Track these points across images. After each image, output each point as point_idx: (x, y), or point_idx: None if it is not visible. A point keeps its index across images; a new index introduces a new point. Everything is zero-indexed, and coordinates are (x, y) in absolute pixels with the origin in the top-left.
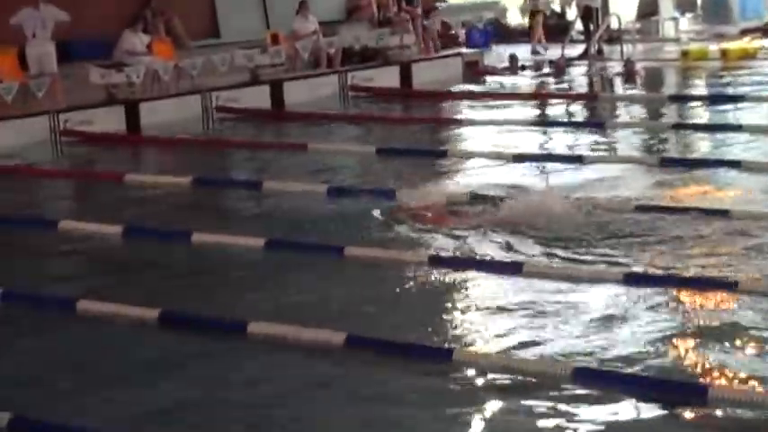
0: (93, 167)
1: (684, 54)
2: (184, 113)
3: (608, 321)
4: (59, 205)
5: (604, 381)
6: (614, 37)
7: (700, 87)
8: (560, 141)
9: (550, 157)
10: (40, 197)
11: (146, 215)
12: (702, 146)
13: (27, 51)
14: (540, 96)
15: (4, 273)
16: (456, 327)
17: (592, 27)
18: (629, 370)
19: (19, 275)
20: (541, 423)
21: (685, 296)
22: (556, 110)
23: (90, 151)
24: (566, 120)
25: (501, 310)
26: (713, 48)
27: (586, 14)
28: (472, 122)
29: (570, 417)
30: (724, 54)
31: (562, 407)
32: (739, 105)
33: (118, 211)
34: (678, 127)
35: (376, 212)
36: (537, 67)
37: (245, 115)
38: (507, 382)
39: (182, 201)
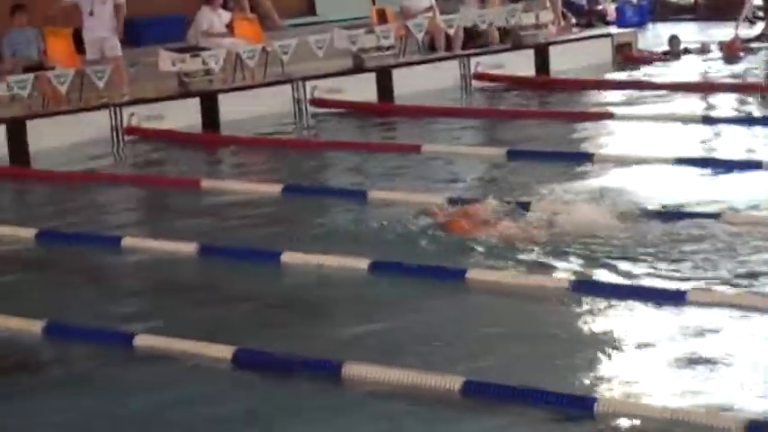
0: (163, 172)
1: None
2: (273, 107)
3: None
4: (122, 218)
5: None
6: None
7: None
8: (732, 141)
9: (720, 162)
10: (100, 208)
11: (226, 230)
12: None
13: (84, 33)
14: (707, 87)
15: (52, 301)
16: (601, 369)
17: None
18: None
19: (71, 305)
20: None
21: None
22: (726, 102)
23: (158, 152)
24: (739, 115)
25: (653, 346)
26: None
27: None
28: (624, 118)
29: None
30: None
31: None
32: None
33: (192, 224)
34: None
35: (414, 223)
36: (703, 50)
37: (346, 109)
38: None
39: (269, 213)
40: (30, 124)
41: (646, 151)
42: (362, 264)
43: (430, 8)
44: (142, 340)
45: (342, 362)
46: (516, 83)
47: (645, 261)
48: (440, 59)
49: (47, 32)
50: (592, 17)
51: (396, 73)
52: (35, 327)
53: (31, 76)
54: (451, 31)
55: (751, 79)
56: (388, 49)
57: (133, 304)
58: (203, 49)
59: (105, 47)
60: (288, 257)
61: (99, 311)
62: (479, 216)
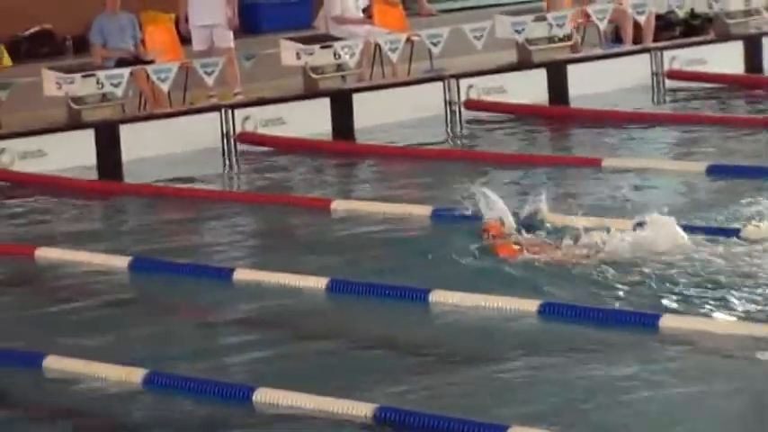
0: (285, 189)
1: None
2: (419, 110)
3: None
4: (233, 245)
5: None
6: None
7: None
8: None
9: None
10: (207, 231)
11: (361, 262)
12: None
13: (189, 19)
14: None
15: (152, 345)
16: None
17: None
18: None
19: (174, 350)
20: None
21: None
22: None
23: (279, 164)
24: None
25: None
26: None
27: None
28: None
29: None
30: None
31: None
32: None
33: (321, 254)
34: None
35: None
36: None
37: (508, 113)
38: None
39: (412, 241)
40: (123, 129)
41: None
42: (531, 306)
43: None
44: (263, 396)
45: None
46: (720, 82)
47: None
48: (626, 53)
49: (145, 19)
50: None
51: (571, 69)
52: (135, 376)
53: (126, 71)
54: (641, 19)
55: None
56: (562, 40)
57: (248, 350)
58: (335, 38)
59: (215, 36)
60: (437, 296)
61: (208, 358)
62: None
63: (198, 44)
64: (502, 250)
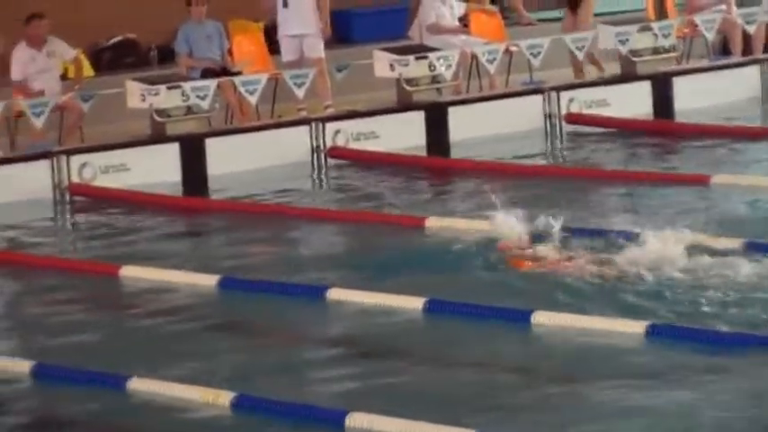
0: (378, 206)
1: None
2: (517, 124)
3: None
4: (324, 263)
5: None
6: None
7: None
8: None
9: None
10: (298, 250)
11: (459, 281)
12: None
13: (279, 28)
14: None
15: (240, 368)
16: None
17: None
18: None
19: (262, 372)
20: None
21: None
22: None
23: (369, 179)
24: None
25: None
26: None
27: None
28: None
29: None
30: None
31: None
32: None
33: (415, 274)
34: None
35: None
36: None
37: (611, 127)
38: None
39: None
40: (209, 143)
41: None
42: (638, 328)
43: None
44: (357, 420)
45: None
46: None
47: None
48: (735, 65)
49: (232, 28)
50: None
51: (677, 82)
52: (223, 399)
53: (212, 82)
54: (751, 29)
55: None
56: (667, 51)
57: (341, 372)
58: (430, 49)
59: (305, 46)
60: (540, 318)
61: (299, 380)
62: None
63: (287, 54)
64: (516, 263)
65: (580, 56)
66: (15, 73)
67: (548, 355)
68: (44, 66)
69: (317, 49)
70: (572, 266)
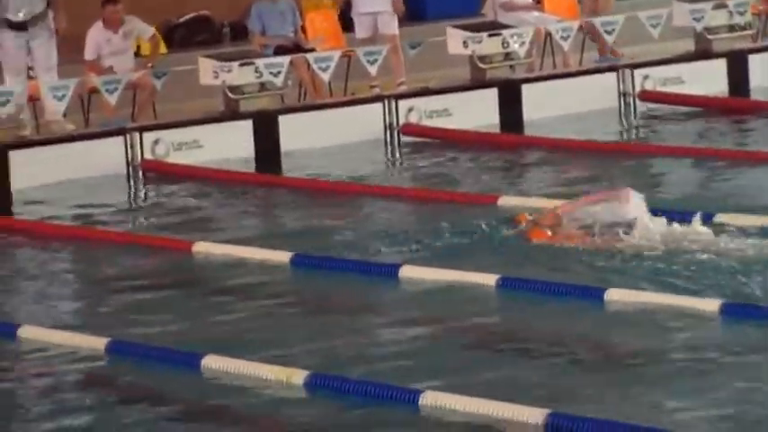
0: (452, 183)
1: None
2: (591, 102)
3: None
4: (398, 241)
5: None
6: None
7: None
8: None
9: None
10: (368, 227)
11: (529, 258)
12: None
13: (353, 5)
14: None
15: (316, 346)
16: None
17: None
18: None
19: (339, 351)
20: None
21: None
22: None
23: (443, 157)
24: None
25: None
26: None
27: None
28: None
29: None
30: None
31: None
32: None
33: (489, 250)
34: None
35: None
36: None
37: (686, 105)
38: None
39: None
40: (282, 120)
41: None
42: (711, 306)
43: None
44: (430, 399)
45: None
46: None
47: None
48: None
49: (306, 5)
50: None
51: (753, 59)
52: (296, 378)
53: (285, 59)
54: None
55: None
56: (743, 28)
57: (414, 350)
58: (504, 26)
59: (379, 23)
60: (613, 295)
61: (372, 358)
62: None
63: (361, 32)
64: (534, 235)
65: (655, 33)
66: (89, 53)
67: (621, 333)
68: (119, 47)
69: (391, 26)
70: (589, 241)
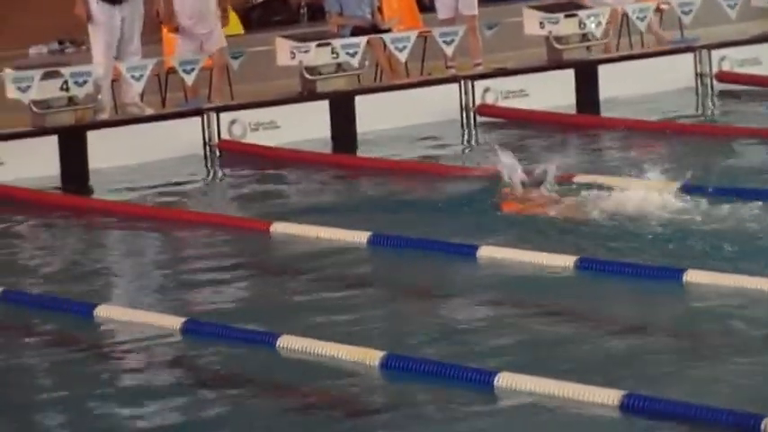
0: (527, 163)
1: None
2: (667, 83)
3: None
4: (469, 222)
5: None
6: None
7: None
8: None
9: None
10: (440, 207)
11: (608, 239)
12: None
13: None
14: None
15: (389, 328)
16: None
17: None
18: None
19: (413, 331)
20: None
21: None
22: None
23: (517, 137)
24: None
25: None
26: None
27: None
28: None
29: None
30: None
31: None
32: None
33: (565, 230)
34: None
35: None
36: None
37: (759, 85)
38: None
39: (662, 225)
40: (359, 100)
41: None
42: None
43: None
44: (505, 380)
45: None
46: None
47: None
48: None
49: None
50: None
51: None
52: (372, 358)
53: (362, 40)
54: None
55: None
56: None
57: (491, 331)
58: (580, 6)
59: (461, 3)
60: (692, 276)
61: (449, 339)
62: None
63: (443, 12)
64: (506, 206)
65: (732, 14)
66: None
67: (700, 316)
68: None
69: (472, 6)
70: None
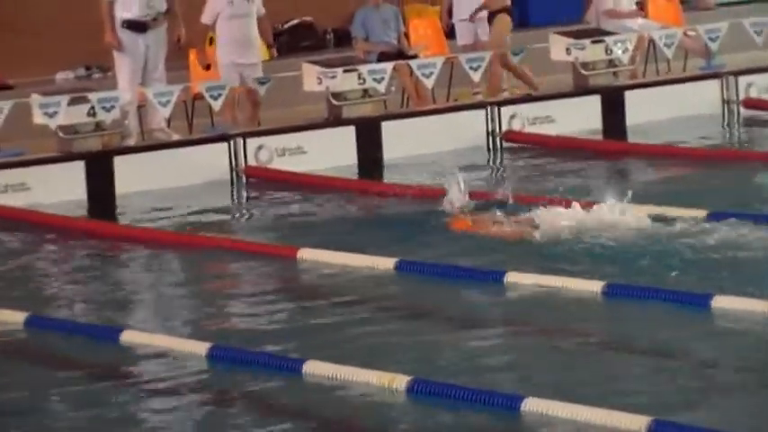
0: (552, 190)
1: None
2: (694, 109)
3: None
4: (499, 248)
5: None
6: None
7: None
8: None
9: None
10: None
11: (632, 265)
12: None
13: (455, 12)
14: None
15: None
16: None
17: None
18: None
19: (440, 359)
20: None
21: None
22: None
23: (542, 163)
24: None
25: None
26: None
27: None
28: None
29: None
30: None
31: None
32: None
33: (591, 256)
34: None
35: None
36: None
37: None
38: None
39: (691, 247)
40: (385, 126)
41: None
42: None
43: None
44: (533, 406)
45: None
46: None
47: None
48: None
49: (409, 12)
50: None
51: None
52: (398, 383)
53: (388, 65)
54: None
55: None
56: None
57: (516, 357)
58: (607, 33)
59: (479, 30)
60: (720, 302)
61: (474, 365)
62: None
63: (462, 38)
64: (456, 224)
65: (759, 41)
66: (207, 17)
67: (732, 343)
68: (243, 10)
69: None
70: (498, 230)
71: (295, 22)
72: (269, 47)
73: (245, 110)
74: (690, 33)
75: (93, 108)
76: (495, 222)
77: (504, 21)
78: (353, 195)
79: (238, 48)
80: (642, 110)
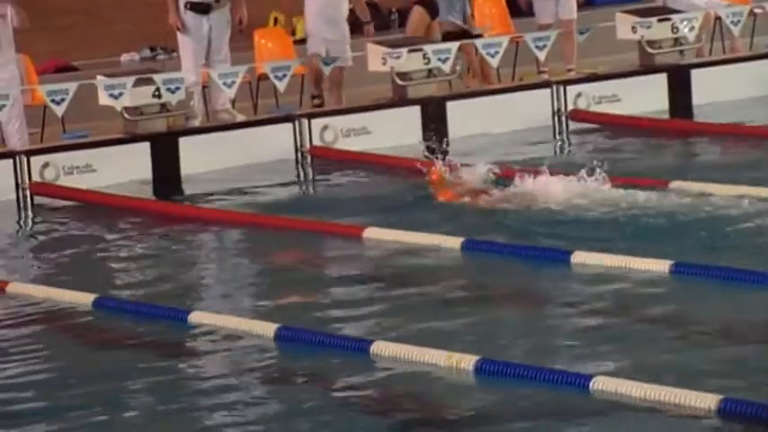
0: (619, 169)
1: None
2: (761, 87)
3: None
4: (571, 227)
5: None
6: None
7: None
8: None
9: None
10: (545, 213)
11: (699, 242)
12: None
13: None
14: None
15: (484, 335)
16: None
17: None
18: None
19: (506, 341)
20: None
21: None
22: None
23: (606, 140)
24: None
25: None
26: None
27: None
28: None
29: None
30: None
31: None
32: None
33: (658, 235)
34: None
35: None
36: None
37: None
38: None
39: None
40: (450, 106)
41: None
42: None
43: None
44: (602, 384)
45: None
46: None
47: None
48: None
49: None
50: None
51: None
52: (465, 363)
53: (453, 45)
54: None
55: None
56: None
57: (585, 336)
58: (673, 11)
59: (560, 7)
60: None
61: (543, 344)
62: (467, 183)
63: (543, 17)
64: (441, 195)
65: None
66: None
67: None
68: None
69: (572, 10)
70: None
71: None
72: (365, 23)
73: (329, 89)
74: (757, 11)
75: (158, 89)
76: (479, 193)
77: None
78: (415, 176)
79: (326, 23)
80: (709, 88)
